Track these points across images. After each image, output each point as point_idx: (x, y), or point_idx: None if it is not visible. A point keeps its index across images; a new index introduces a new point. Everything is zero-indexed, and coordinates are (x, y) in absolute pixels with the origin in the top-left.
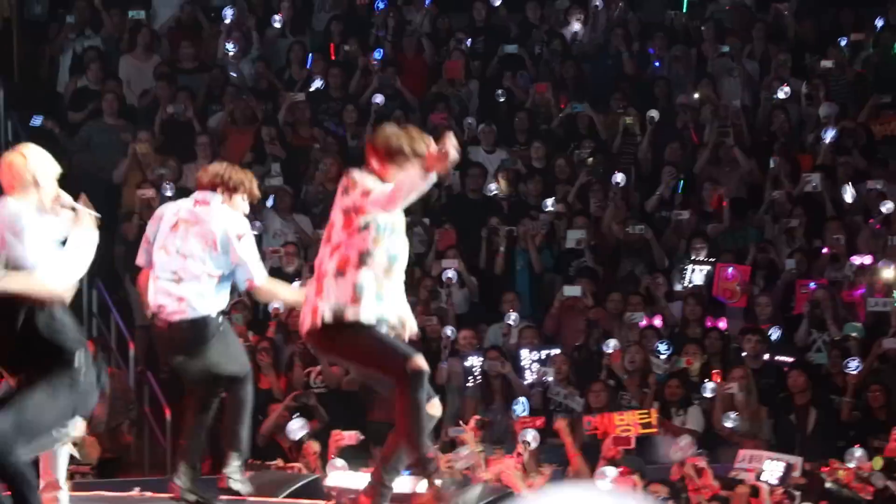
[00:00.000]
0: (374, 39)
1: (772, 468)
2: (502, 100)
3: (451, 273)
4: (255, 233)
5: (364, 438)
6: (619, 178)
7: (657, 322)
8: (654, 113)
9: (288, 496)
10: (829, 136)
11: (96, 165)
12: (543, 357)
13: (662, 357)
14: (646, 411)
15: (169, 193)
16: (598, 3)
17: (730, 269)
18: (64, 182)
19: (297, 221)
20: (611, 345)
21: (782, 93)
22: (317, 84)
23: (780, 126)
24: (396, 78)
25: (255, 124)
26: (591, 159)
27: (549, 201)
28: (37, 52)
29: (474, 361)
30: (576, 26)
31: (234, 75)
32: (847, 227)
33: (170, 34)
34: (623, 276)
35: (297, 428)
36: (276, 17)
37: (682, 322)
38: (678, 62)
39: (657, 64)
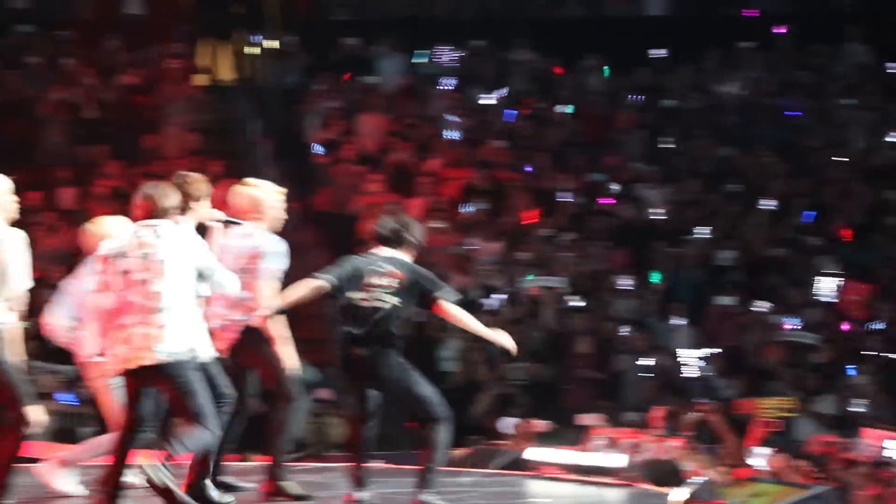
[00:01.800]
0: (561, 97)
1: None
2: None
3: (626, 286)
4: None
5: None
6: (767, 204)
7: (797, 324)
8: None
9: (499, 467)
10: None
11: (340, 201)
12: (703, 354)
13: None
14: (786, 398)
15: None
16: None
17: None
18: (314, 214)
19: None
20: None
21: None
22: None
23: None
24: (580, 128)
25: (464, 166)
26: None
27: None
28: (291, 112)
29: (646, 359)
30: (725, 85)
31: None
32: None
33: (395, 96)
34: (767, 288)
35: (508, 425)
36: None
37: (819, 325)
38: (810, 113)
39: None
